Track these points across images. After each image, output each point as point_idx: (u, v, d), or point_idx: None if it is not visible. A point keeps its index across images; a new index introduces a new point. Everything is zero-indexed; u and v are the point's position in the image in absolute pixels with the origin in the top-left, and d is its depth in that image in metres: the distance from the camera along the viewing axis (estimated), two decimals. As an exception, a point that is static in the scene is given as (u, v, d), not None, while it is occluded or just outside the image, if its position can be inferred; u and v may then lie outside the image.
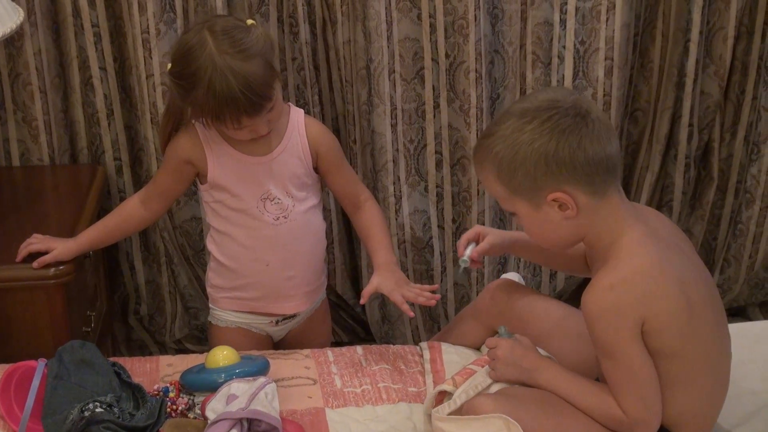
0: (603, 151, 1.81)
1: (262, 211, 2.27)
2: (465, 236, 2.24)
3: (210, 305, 2.44)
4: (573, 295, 3.01)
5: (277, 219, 2.28)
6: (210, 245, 2.37)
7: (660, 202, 2.97)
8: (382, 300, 2.95)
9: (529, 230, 1.93)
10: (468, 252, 2.21)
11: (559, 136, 1.79)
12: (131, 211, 2.35)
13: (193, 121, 2.27)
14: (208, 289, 2.43)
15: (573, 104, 1.82)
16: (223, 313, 2.41)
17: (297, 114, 2.32)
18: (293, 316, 2.42)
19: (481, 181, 1.94)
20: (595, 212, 1.84)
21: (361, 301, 2.27)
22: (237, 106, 2.09)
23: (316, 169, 2.33)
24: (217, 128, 2.21)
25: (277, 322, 2.41)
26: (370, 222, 2.38)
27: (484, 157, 1.87)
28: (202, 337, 3.01)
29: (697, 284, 1.87)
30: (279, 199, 2.28)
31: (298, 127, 2.31)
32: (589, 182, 1.81)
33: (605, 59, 2.68)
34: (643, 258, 1.83)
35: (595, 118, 1.82)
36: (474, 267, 2.24)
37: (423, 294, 2.23)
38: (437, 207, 2.83)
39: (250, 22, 2.18)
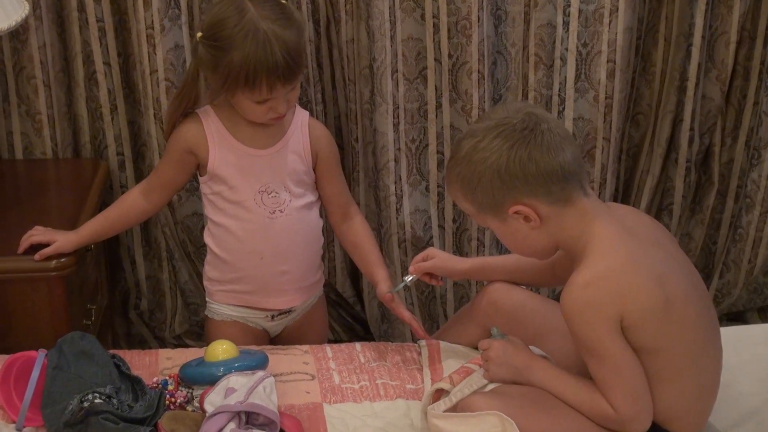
0: (555, 160, 1.85)
1: (259, 204, 2.28)
2: (417, 261, 2.29)
3: (207, 299, 2.44)
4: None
5: (273, 213, 2.29)
6: (207, 238, 2.38)
7: (660, 205, 2.97)
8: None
9: (504, 242, 1.99)
10: (413, 278, 2.27)
11: (508, 150, 1.84)
12: (132, 203, 2.37)
13: (197, 111, 2.29)
14: (205, 283, 2.44)
15: (522, 118, 1.87)
16: (220, 307, 2.41)
17: (301, 114, 2.34)
18: (288, 312, 2.43)
19: (454, 200, 1.99)
20: (561, 218, 1.88)
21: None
22: (276, 69, 2.12)
23: (314, 170, 2.34)
24: (239, 99, 2.20)
25: (272, 317, 2.42)
26: (366, 236, 2.42)
27: (451, 179, 1.94)
28: (201, 333, 2.99)
29: (678, 280, 1.89)
30: (276, 193, 2.29)
31: (302, 126, 2.32)
32: (546, 192, 1.86)
33: (607, 62, 2.68)
34: (616, 255, 1.85)
35: (546, 129, 1.86)
36: (434, 284, 2.32)
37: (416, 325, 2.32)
38: (438, 207, 2.84)
39: None
